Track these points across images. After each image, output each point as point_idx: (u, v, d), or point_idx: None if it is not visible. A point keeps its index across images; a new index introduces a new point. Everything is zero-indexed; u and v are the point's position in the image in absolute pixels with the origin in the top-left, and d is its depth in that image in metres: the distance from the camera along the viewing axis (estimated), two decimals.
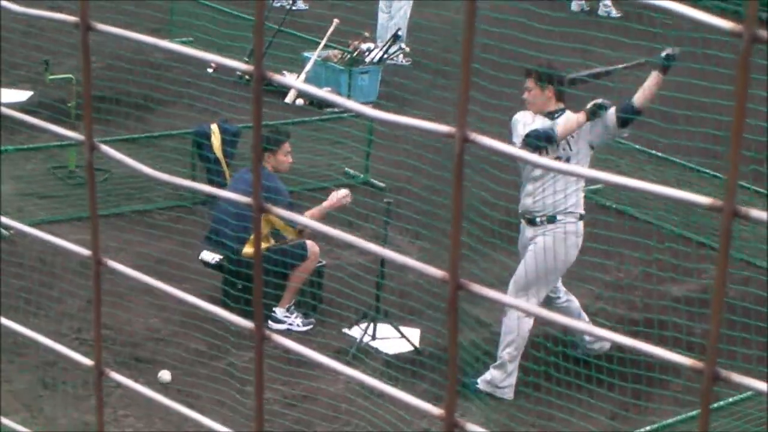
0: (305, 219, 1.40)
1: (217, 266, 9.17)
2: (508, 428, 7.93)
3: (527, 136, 7.87)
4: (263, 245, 8.85)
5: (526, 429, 7.94)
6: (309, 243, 9.00)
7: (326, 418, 7.94)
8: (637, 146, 11.54)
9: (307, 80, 13.33)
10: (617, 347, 8.07)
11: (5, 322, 1.68)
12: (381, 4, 15.60)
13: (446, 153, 9.40)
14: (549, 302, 8.34)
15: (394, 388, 1.31)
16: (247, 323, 1.41)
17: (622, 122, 8.03)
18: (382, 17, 15.54)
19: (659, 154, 11.63)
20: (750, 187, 10.50)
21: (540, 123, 8.06)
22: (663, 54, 8.03)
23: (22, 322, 1.81)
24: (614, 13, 17.99)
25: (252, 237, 8.31)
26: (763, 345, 8.54)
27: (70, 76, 11.55)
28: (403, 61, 15.06)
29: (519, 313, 7.95)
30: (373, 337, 8.81)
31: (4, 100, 12.13)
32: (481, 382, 8.28)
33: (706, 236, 10.48)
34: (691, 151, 10.98)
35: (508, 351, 8.20)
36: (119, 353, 8.37)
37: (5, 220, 1.73)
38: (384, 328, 8.85)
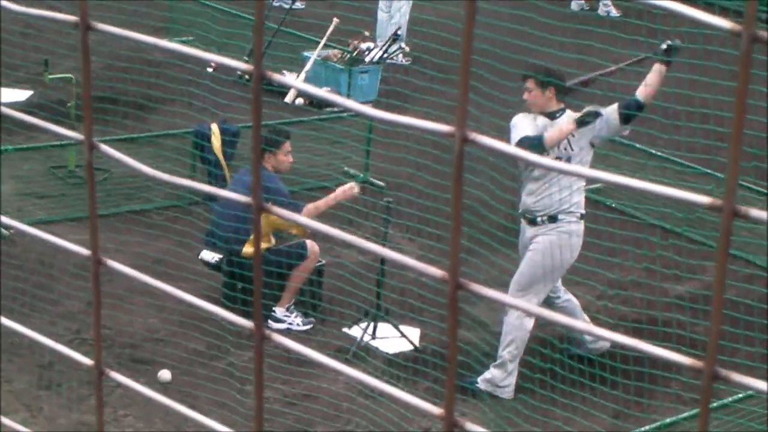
0: (305, 219, 1.40)
1: (217, 266, 9.17)
2: (508, 428, 7.93)
3: (519, 142, 7.88)
4: (264, 245, 8.89)
5: (527, 428, 7.93)
6: (309, 242, 9.00)
7: (326, 417, 7.94)
8: (637, 145, 11.54)
9: (307, 80, 13.33)
10: (619, 346, 8.07)
11: (5, 322, 1.68)
12: (381, 4, 15.60)
13: (447, 152, 9.40)
14: (549, 302, 8.34)
15: (395, 388, 1.31)
16: (246, 323, 1.41)
17: (624, 119, 8.03)
18: (381, 16, 15.55)
19: (659, 153, 11.62)
20: (757, 188, 10.52)
21: (541, 124, 8.06)
22: (663, 46, 8.03)
23: (22, 322, 1.81)
24: (614, 12, 17.99)
25: (252, 236, 8.31)
26: (765, 343, 8.55)
27: (70, 75, 11.55)
28: (403, 60, 15.06)
29: (520, 312, 7.95)
30: (374, 337, 8.82)
31: (3, 100, 12.13)
32: (481, 382, 8.28)
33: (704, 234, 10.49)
34: (691, 148, 10.98)
35: (509, 350, 8.20)
36: (119, 354, 8.37)
37: (5, 220, 1.73)
38: (384, 327, 8.86)
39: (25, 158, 11.13)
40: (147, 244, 9.89)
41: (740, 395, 7.91)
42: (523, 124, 8.05)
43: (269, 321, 8.94)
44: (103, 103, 11.62)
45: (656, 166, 11.56)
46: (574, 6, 18.42)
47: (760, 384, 1.13)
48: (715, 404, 7.63)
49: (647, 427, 7.69)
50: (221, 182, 10.61)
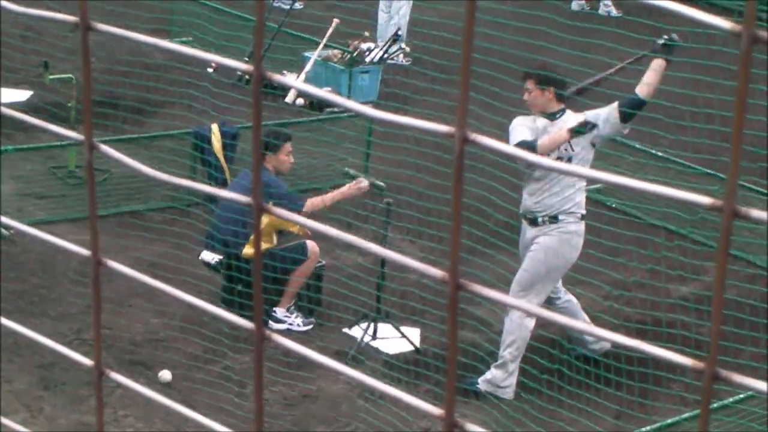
0: (305, 220, 1.40)
1: (217, 267, 9.17)
2: (508, 428, 7.92)
3: (515, 146, 7.87)
4: (264, 245, 8.90)
5: (527, 429, 7.93)
6: (309, 243, 9.00)
7: (326, 418, 7.94)
8: (637, 145, 11.54)
9: (308, 80, 13.33)
10: (621, 347, 8.06)
11: (5, 322, 1.68)
12: (381, 4, 15.61)
13: (448, 153, 9.39)
14: (549, 302, 8.34)
15: (395, 389, 1.31)
16: (247, 323, 1.40)
17: (625, 117, 8.03)
18: (381, 17, 15.55)
19: (660, 153, 11.62)
20: (757, 188, 10.51)
21: (540, 125, 8.06)
22: (660, 41, 8.04)
23: (22, 323, 1.80)
24: (614, 12, 18.00)
25: (253, 237, 8.30)
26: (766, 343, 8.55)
27: (70, 76, 11.55)
28: (403, 60, 15.07)
29: (521, 312, 7.95)
30: (374, 337, 8.81)
31: (4, 101, 12.13)
32: (481, 382, 8.28)
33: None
34: (696, 149, 10.97)
35: (510, 351, 8.20)
36: (119, 354, 8.37)
37: (5, 220, 1.73)
38: (384, 328, 8.85)
39: (25, 158, 11.13)
40: (148, 244, 9.89)
41: (741, 396, 7.90)
42: (519, 129, 8.04)
43: (269, 322, 8.94)
44: (102, 108, 11.62)
45: (661, 166, 11.55)
46: (574, 6, 18.42)
47: (760, 384, 1.13)
48: (715, 405, 7.63)
49: (648, 428, 7.69)
50: (221, 184, 10.61)
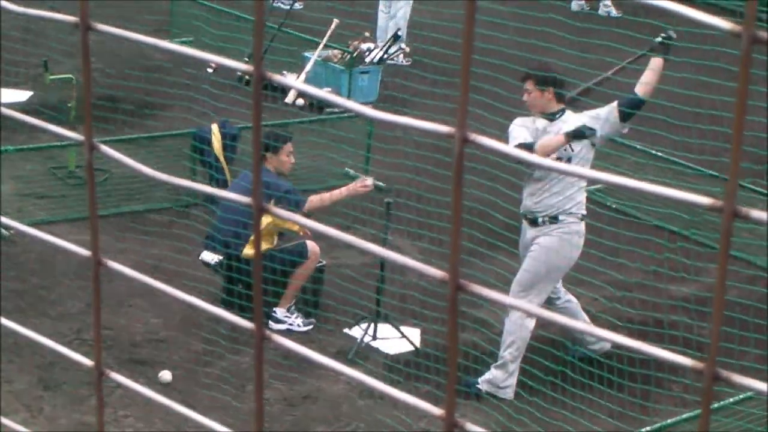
0: (305, 220, 1.40)
1: (218, 267, 9.17)
2: (508, 428, 7.92)
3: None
4: (267, 245, 8.90)
5: (527, 429, 7.93)
6: (309, 243, 9.00)
7: (326, 418, 7.94)
8: (638, 145, 11.54)
9: (308, 80, 13.33)
10: (621, 347, 8.06)
11: (5, 322, 1.68)
12: (381, 5, 15.61)
13: (448, 155, 9.39)
14: (549, 303, 8.34)
15: (395, 389, 1.31)
16: (247, 323, 1.40)
17: (624, 116, 8.04)
18: (382, 17, 15.55)
19: (659, 153, 11.62)
20: (758, 189, 10.51)
21: (540, 126, 8.06)
22: (658, 39, 8.05)
23: (22, 322, 1.81)
24: (614, 12, 18.01)
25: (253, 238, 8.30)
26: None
27: (70, 76, 11.55)
28: (404, 61, 15.07)
29: (521, 313, 7.94)
30: (374, 337, 8.81)
31: (4, 101, 12.13)
32: (481, 382, 8.28)
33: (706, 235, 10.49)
34: (701, 150, 10.97)
35: (510, 351, 8.20)
36: (119, 355, 8.37)
37: (5, 220, 1.73)
38: (384, 328, 8.85)
39: (25, 158, 11.13)
40: (148, 244, 9.89)
41: (741, 396, 7.90)
42: (517, 131, 8.03)
43: (270, 322, 8.94)
44: (102, 111, 11.62)
45: (662, 167, 11.55)
46: (574, 6, 18.43)
47: (759, 385, 1.13)
48: (715, 405, 7.63)
49: (648, 429, 7.68)
50: (222, 185, 10.60)
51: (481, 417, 7.96)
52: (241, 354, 8.45)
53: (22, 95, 13.00)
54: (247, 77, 13.30)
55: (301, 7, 16.21)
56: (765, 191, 10.76)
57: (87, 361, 1.56)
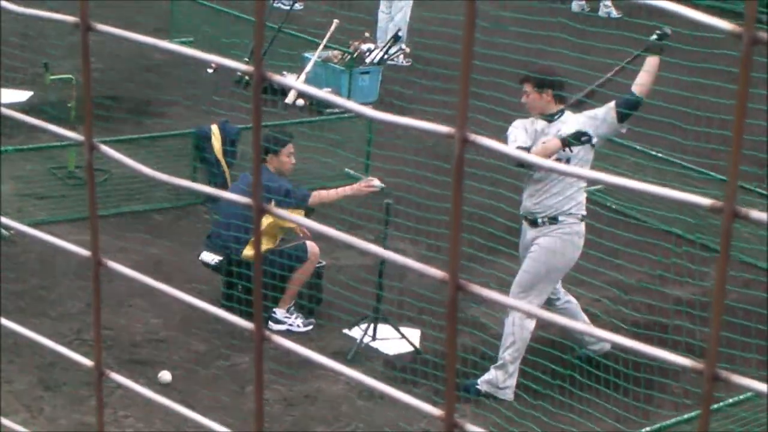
0: (306, 220, 1.40)
1: (217, 267, 9.17)
2: (508, 429, 7.92)
3: None
4: (269, 245, 8.90)
5: (527, 430, 7.93)
6: (309, 244, 9.00)
7: (326, 418, 7.94)
8: (637, 146, 11.53)
9: (308, 81, 13.33)
10: (621, 348, 8.06)
11: (5, 322, 1.68)
12: (381, 5, 15.61)
13: (448, 157, 9.40)
14: (548, 303, 8.34)
15: (394, 389, 1.31)
16: (247, 324, 1.40)
17: (622, 117, 8.04)
18: (382, 18, 15.56)
19: (659, 154, 11.61)
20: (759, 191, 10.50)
21: (539, 128, 8.06)
22: (653, 37, 8.05)
23: (22, 323, 1.81)
24: (615, 13, 18.01)
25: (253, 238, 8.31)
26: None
27: (70, 76, 11.55)
28: (404, 61, 15.07)
29: (521, 314, 7.94)
30: (374, 338, 8.81)
31: (4, 101, 12.14)
32: (481, 383, 8.28)
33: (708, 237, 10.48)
34: (704, 153, 10.96)
35: (510, 352, 8.19)
36: (119, 355, 8.37)
37: (5, 220, 1.73)
38: (384, 329, 8.85)
39: (25, 159, 11.13)
40: (147, 245, 9.89)
41: (740, 397, 7.90)
42: (515, 134, 8.03)
43: (269, 322, 8.94)
44: (102, 110, 11.61)
45: (661, 168, 11.54)
46: (574, 7, 18.43)
47: (759, 386, 1.13)
48: (715, 406, 7.62)
49: (648, 429, 7.68)
50: (222, 185, 10.61)
51: (480, 417, 7.96)
52: (241, 354, 8.45)
53: (22, 95, 13.00)
54: (246, 79, 13.31)
55: (301, 7, 16.22)
56: (766, 193, 10.76)
57: (87, 362, 1.56)
